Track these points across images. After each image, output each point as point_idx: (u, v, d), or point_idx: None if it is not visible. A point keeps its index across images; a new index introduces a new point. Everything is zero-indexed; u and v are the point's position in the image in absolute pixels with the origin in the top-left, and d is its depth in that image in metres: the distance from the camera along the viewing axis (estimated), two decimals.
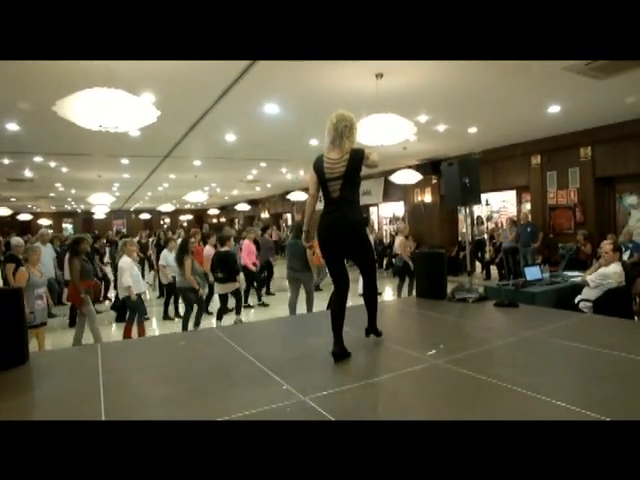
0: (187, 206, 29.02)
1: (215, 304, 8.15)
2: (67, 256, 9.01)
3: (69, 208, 26.42)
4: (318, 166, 3.20)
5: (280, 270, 11.88)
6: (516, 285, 5.67)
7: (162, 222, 32.21)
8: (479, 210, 13.15)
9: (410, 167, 12.02)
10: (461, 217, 12.73)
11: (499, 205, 13.91)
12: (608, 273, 5.02)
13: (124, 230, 25.64)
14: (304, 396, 2.50)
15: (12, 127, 7.17)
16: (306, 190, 3.69)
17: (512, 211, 12.55)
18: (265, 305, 9.44)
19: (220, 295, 7.20)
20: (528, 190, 11.17)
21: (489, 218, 13.98)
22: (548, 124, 8.62)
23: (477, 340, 3.61)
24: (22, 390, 2.88)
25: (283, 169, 13.89)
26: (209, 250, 8.04)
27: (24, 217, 23.66)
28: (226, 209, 29.94)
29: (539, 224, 10.41)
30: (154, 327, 7.98)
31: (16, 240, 8.02)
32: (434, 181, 13.24)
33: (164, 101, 5.81)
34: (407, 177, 11.12)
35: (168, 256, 8.11)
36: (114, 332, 7.46)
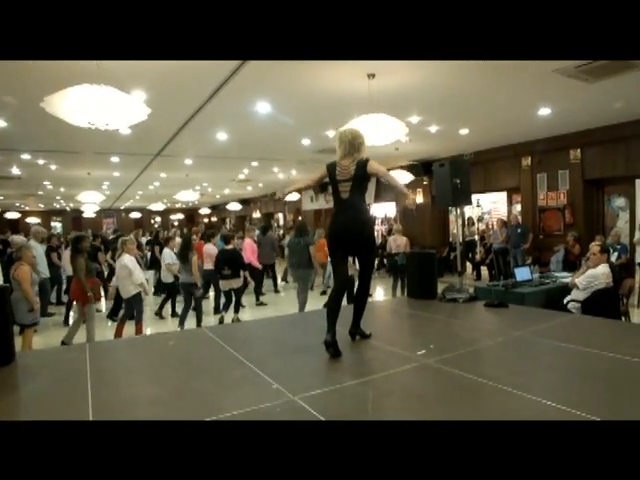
0: (178, 205, 28.88)
1: (211, 303, 8.19)
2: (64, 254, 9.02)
3: (58, 206, 26.16)
4: (331, 168, 3.46)
5: (279, 270, 11.96)
6: (506, 286, 5.71)
7: (153, 221, 32.01)
8: (470, 211, 13.20)
9: (402, 168, 12.05)
10: (452, 218, 12.77)
11: (490, 206, 13.97)
12: (596, 274, 5.07)
13: (113, 228, 25.43)
14: (294, 395, 2.49)
15: None
16: (298, 190, 3.78)
17: (503, 212, 12.61)
18: (263, 304, 9.43)
19: (225, 292, 7.48)
20: (519, 191, 11.24)
21: (480, 219, 14.04)
22: (539, 126, 8.68)
23: (467, 340, 3.62)
24: (7, 390, 2.83)
25: (275, 169, 13.86)
26: (212, 248, 8.27)
27: (12, 215, 23.42)
28: (217, 208, 29.82)
29: (529, 225, 10.49)
30: (146, 325, 7.91)
31: (19, 239, 7.96)
32: (425, 182, 13.27)
33: (155, 99, 5.77)
34: (399, 178, 11.06)
35: (171, 254, 8.23)
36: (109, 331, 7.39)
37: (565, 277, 6.25)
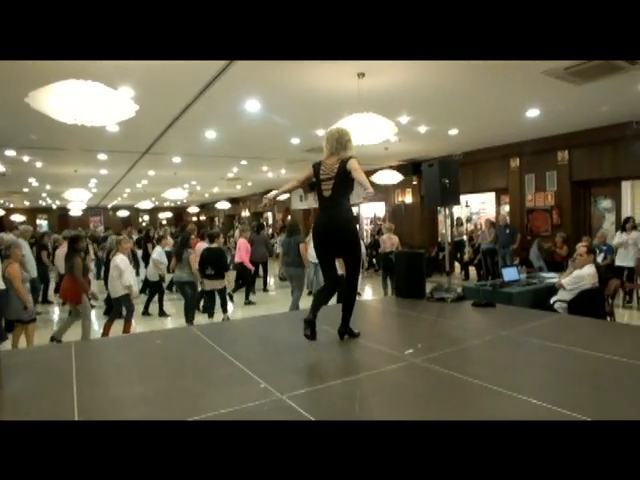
0: (166, 204, 28.67)
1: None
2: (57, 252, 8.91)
3: (44, 204, 25.85)
4: (316, 167, 3.49)
5: (271, 268, 11.92)
6: (494, 285, 5.74)
7: (141, 220, 31.76)
8: (459, 211, 13.28)
9: (391, 167, 12.08)
10: (441, 218, 12.83)
11: (478, 207, 14.06)
12: (582, 275, 5.12)
13: (102, 227, 25.18)
14: (282, 394, 2.48)
15: None
16: (285, 192, 3.76)
17: (491, 213, 12.70)
18: (252, 303, 9.38)
19: (207, 292, 7.24)
20: (507, 192, 11.33)
21: (469, 219, 14.12)
22: (527, 128, 8.75)
23: (454, 339, 3.64)
24: None
25: (264, 167, 13.81)
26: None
27: None
28: (206, 207, 29.67)
29: (517, 226, 10.56)
30: (133, 324, 7.84)
31: (9, 237, 7.86)
32: (414, 182, 13.33)
33: (143, 95, 5.72)
34: (388, 177, 11.18)
35: (162, 253, 8.21)
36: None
37: (552, 278, 6.30)
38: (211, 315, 7.08)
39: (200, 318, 7.41)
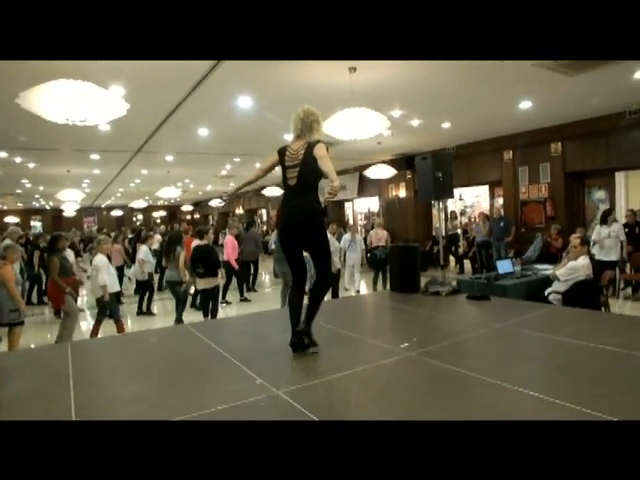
0: (160, 202, 28.57)
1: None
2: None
3: (37, 205, 25.73)
4: (281, 152, 3.24)
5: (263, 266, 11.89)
6: (488, 278, 5.77)
7: (135, 219, 31.66)
8: (453, 205, 13.30)
9: (385, 162, 12.08)
10: (435, 212, 12.83)
11: (472, 200, 14.08)
12: (577, 266, 5.14)
13: (95, 227, 25.08)
14: (277, 390, 2.49)
15: None
16: (281, 186, 3.64)
17: (485, 206, 12.72)
18: (247, 300, 9.37)
19: (201, 291, 6.96)
20: (500, 185, 11.34)
21: (463, 213, 14.15)
22: (520, 120, 8.76)
23: (449, 332, 3.65)
24: None
25: (257, 164, 13.75)
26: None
27: None
28: (200, 205, 29.60)
29: (511, 218, 10.59)
30: (129, 324, 7.83)
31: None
32: (408, 176, 13.33)
33: (134, 94, 5.68)
34: (382, 172, 11.19)
35: (147, 252, 8.18)
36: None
37: (546, 269, 6.33)
38: (206, 315, 6.97)
39: (193, 316, 7.36)
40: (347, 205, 17.50)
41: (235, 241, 9.18)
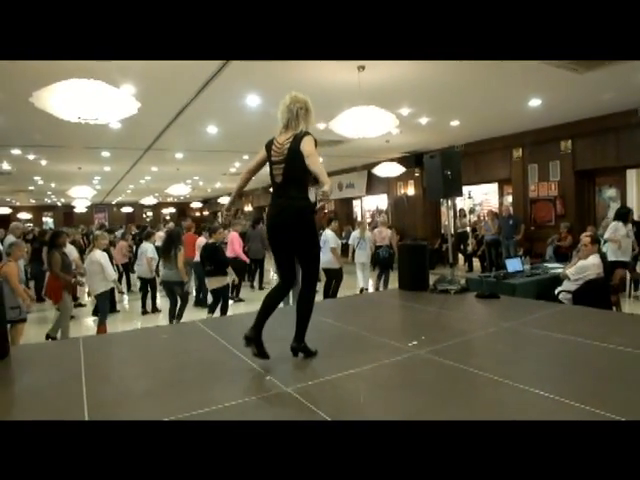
0: (170, 199, 28.72)
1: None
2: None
3: (49, 202, 25.94)
4: (268, 147, 3.00)
5: (270, 264, 11.83)
6: (497, 277, 5.74)
7: (145, 215, 31.84)
8: (462, 203, 13.25)
9: (393, 160, 12.05)
10: (444, 210, 12.81)
11: (481, 198, 14.03)
12: (587, 265, 5.11)
13: (106, 223, 25.27)
14: (287, 387, 2.51)
15: None
16: (240, 189, 3.47)
17: (494, 204, 12.66)
18: (241, 300, 9.18)
19: (211, 290, 6.87)
20: (510, 183, 11.28)
21: (472, 211, 14.09)
22: (529, 117, 8.70)
23: (458, 331, 3.65)
24: (2, 385, 2.83)
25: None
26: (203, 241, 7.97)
27: (3, 211, 23.18)
28: (209, 202, 29.71)
29: (521, 217, 10.53)
30: (136, 322, 7.90)
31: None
32: (417, 174, 13.29)
33: (144, 92, 5.73)
34: (390, 170, 11.15)
35: (153, 249, 8.16)
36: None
37: (556, 268, 6.30)
38: (211, 312, 6.81)
39: (194, 315, 7.29)
40: (355, 203, 17.49)
41: (239, 238, 9.05)
